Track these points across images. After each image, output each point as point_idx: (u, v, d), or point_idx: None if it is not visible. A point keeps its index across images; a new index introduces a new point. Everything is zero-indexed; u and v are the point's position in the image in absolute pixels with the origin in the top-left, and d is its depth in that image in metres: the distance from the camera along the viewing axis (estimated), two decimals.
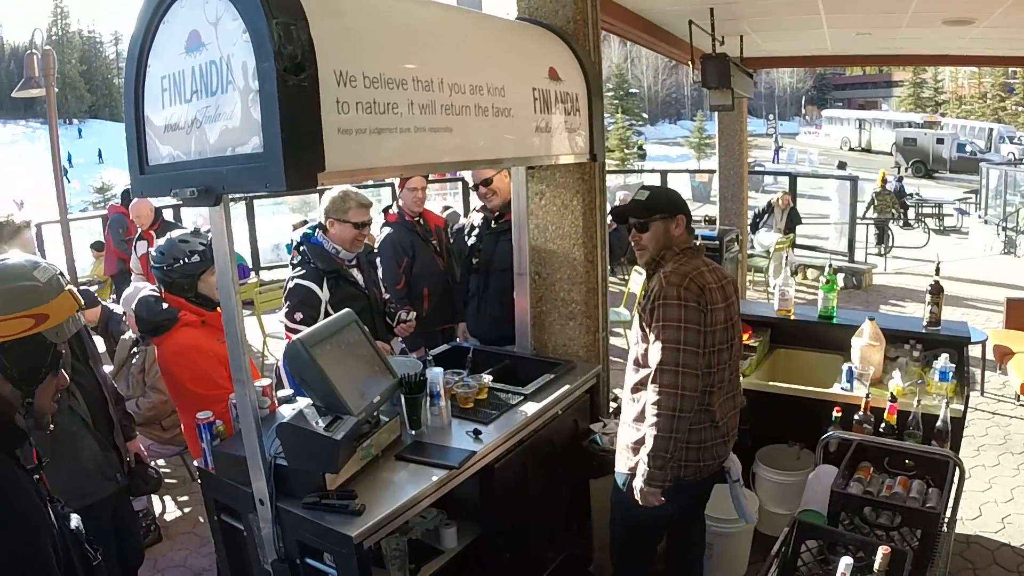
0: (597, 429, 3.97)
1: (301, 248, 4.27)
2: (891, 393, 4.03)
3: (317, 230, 4.28)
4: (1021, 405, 6.97)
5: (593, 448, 3.88)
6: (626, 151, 44.18)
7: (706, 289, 3.12)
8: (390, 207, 5.74)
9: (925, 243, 18.07)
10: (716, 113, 10.37)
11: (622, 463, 3.34)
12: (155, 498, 5.50)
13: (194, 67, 2.45)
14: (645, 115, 68.88)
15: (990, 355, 7.33)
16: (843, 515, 3.27)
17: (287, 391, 3.48)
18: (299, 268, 4.21)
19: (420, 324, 4.88)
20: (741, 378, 4.37)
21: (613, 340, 5.56)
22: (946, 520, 3.40)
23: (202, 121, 2.47)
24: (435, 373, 3.41)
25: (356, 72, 2.44)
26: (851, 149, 49.04)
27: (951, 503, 3.52)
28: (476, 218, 5.21)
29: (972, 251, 17.08)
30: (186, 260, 3.66)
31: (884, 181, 18.77)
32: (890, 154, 41.72)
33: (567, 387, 3.84)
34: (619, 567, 3.61)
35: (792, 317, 4.96)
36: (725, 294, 3.26)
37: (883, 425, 3.95)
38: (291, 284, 4.18)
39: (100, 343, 6.68)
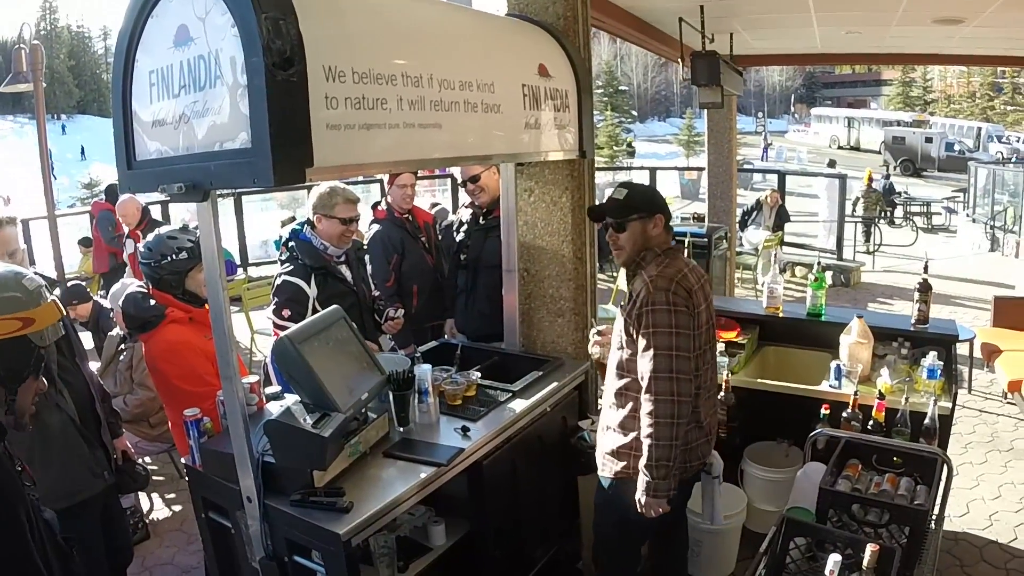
0: (585, 426, 3.96)
1: (290, 244, 4.26)
2: (879, 390, 4.05)
3: (306, 226, 4.27)
4: (1009, 403, 7.01)
5: (581, 445, 3.87)
6: (615, 148, 44.18)
7: (692, 292, 3.10)
8: (379, 204, 5.72)
9: (913, 241, 18.13)
10: (706, 111, 10.39)
11: (606, 469, 3.33)
12: (143, 495, 5.48)
13: (182, 62, 2.43)
14: (634, 112, 68.91)
15: (977, 353, 7.37)
16: (831, 512, 3.27)
17: (275, 388, 3.47)
18: (287, 264, 4.20)
19: (410, 321, 4.88)
20: (730, 375, 4.41)
21: None
22: (934, 517, 3.41)
23: (190, 116, 2.45)
24: (423, 370, 3.40)
25: (345, 68, 2.43)
26: (840, 147, 49.15)
27: (939, 500, 3.52)
28: (465, 214, 5.20)
29: (960, 249, 17.15)
30: (174, 256, 3.64)
31: (871, 180, 18.82)
32: (879, 153, 41.86)
33: (555, 384, 3.84)
34: (605, 569, 3.60)
35: (781, 315, 4.97)
36: (705, 293, 3.24)
37: (871, 422, 3.96)
38: (279, 281, 4.17)
39: (89, 339, 6.66)
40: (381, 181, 10.46)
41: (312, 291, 4.12)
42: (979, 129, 41.97)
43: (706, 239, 9.57)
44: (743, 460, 4.60)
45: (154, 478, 5.80)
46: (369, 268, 5.14)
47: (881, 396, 3.98)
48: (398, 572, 3.06)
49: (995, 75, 53.00)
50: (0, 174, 43.63)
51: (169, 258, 3.64)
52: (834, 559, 2.70)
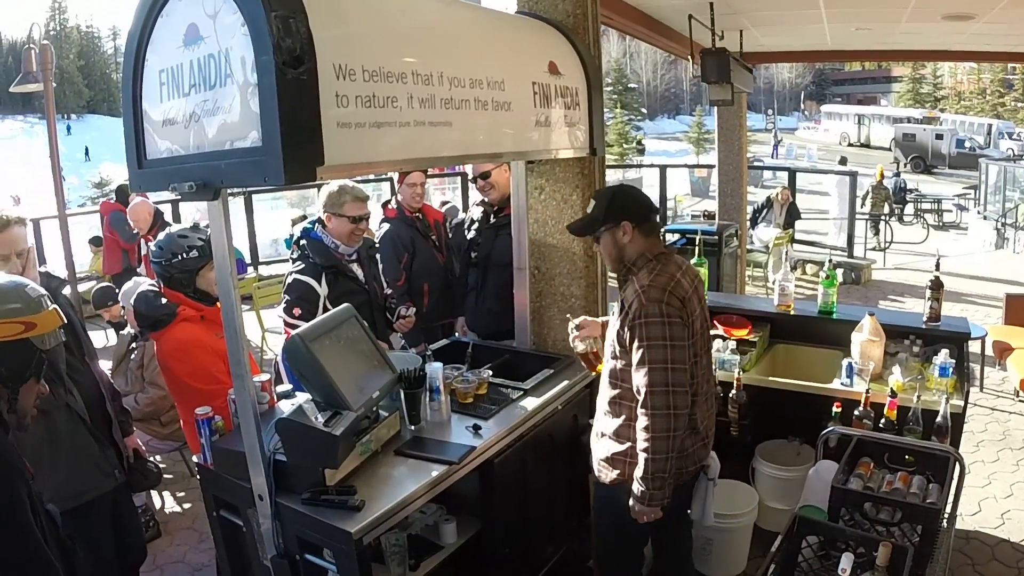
0: None
1: (301, 243, 4.26)
2: (891, 388, 4.03)
3: (316, 224, 4.27)
4: (1020, 401, 6.98)
5: None
6: (625, 146, 44.23)
7: (686, 299, 3.06)
8: (389, 202, 5.72)
9: (924, 239, 18.07)
10: (715, 108, 10.37)
11: (602, 475, 3.31)
12: (154, 493, 5.50)
13: (192, 61, 2.43)
14: (644, 110, 68.89)
15: (989, 351, 7.33)
16: (843, 511, 3.26)
17: (286, 386, 3.47)
18: (298, 263, 4.21)
19: (420, 320, 4.88)
20: (741, 373, 4.39)
21: None
22: (946, 516, 3.39)
23: (200, 115, 2.45)
24: (434, 368, 3.40)
25: (355, 66, 2.43)
26: (850, 144, 48.97)
27: (951, 499, 3.51)
28: (476, 212, 5.19)
29: (971, 247, 17.08)
30: (185, 255, 3.65)
31: (882, 176, 18.76)
32: (889, 150, 41.69)
33: (567, 382, 3.83)
34: (608, 571, 3.58)
35: (792, 312, 4.95)
36: (699, 297, 3.21)
37: (883, 421, 3.95)
38: (290, 279, 4.17)
39: (107, 339, 6.71)
40: (391, 179, 10.45)
41: (323, 289, 4.12)
42: (990, 126, 41.78)
43: (716, 237, 9.52)
44: (754, 458, 4.59)
45: (165, 476, 5.82)
46: (380, 266, 5.14)
47: (893, 394, 3.96)
48: (409, 570, 3.06)
49: (1006, 71, 52.74)
50: (9, 174, 43.85)
51: (180, 257, 3.65)
52: (847, 558, 2.69)
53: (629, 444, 3.14)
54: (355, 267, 4.34)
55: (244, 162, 2.32)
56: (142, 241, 8.10)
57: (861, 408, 4.03)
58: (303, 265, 4.17)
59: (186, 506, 5.60)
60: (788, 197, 12.69)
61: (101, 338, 8.61)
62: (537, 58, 3.54)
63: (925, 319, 4.59)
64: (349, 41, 2.46)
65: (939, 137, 39.22)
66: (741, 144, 10.85)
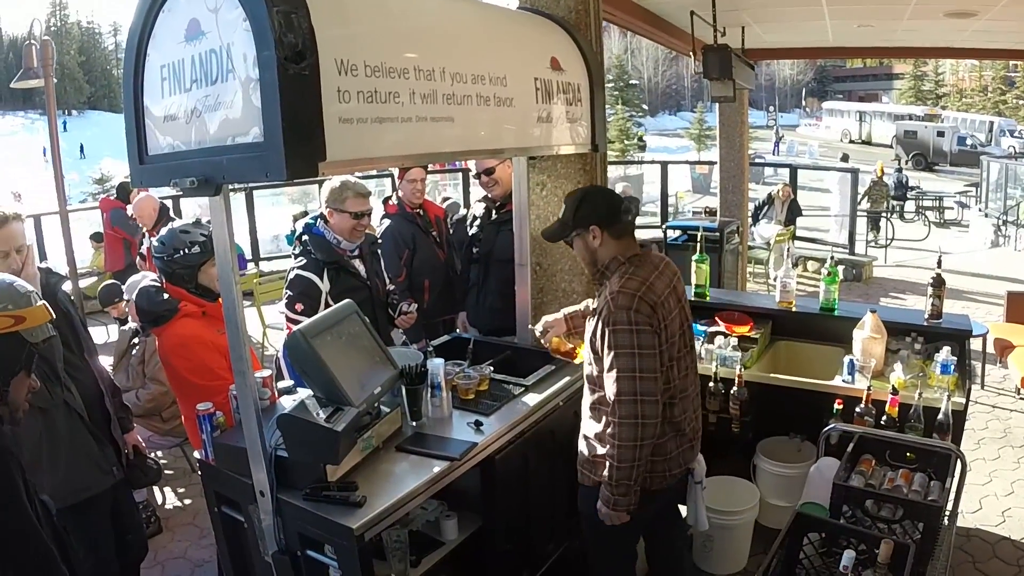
0: None
1: (303, 238, 4.25)
2: (892, 386, 4.02)
3: (318, 220, 4.26)
4: (1021, 399, 6.98)
5: None
6: (626, 142, 44.14)
7: (658, 304, 2.99)
8: (390, 198, 5.72)
9: (925, 236, 18.06)
10: (717, 104, 10.36)
11: (585, 478, 3.29)
12: (155, 489, 5.50)
13: (194, 56, 2.43)
14: (645, 106, 68.80)
15: (990, 348, 7.33)
16: (845, 508, 3.26)
17: (287, 382, 3.47)
18: (300, 259, 4.20)
19: (421, 316, 4.88)
20: (743, 370, 4.38)
21: None
22: (948, 513, 3.39)
23: (202, 111, 2.45)
24: (436, 364, 3.40)
25: (357, 61, 2.42)
26: (851, 141, 48.85)
27: (953, 496, 3.51)
28: (478, 208, 5.19)
29: (972, 244, 17.08)
30: (186, 251, 3.65)
31: (882, 173, 18.75)
32: (890, 147, 41.67)
33: (568, 378, 3.82)
34: (598, 570, 3.56)
35: (793, 309, 4.94)
36: (677, 295, 3.17)
37: (884, 418, 3.94)
38: (292, 275, 4.17)
39: (108, 335, 6.71)
40: (392, 175, 10.45)
41: (324, 285, 4.11)
42: (991, 123, 41.80)
43: (718, 233, 9.51)
44: (756, 455, 4.59)
45: (166, 472, 5.82)
46: (382, 263, 5.14)
47: (894, 391, 3.95)
48: (410, 566, 3.06)
49: (1007, 69, 52.75)
50: (10, 170, 43.85)
51: (182, 252, 3.64)
52: (849, 555, 2.69)
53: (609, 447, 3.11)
54: (357, 263, 4.33)
55: (246, 157, 2.32)
56: (145, 235, 8.06)
57: (862, 405, 4.01)
58: (305, 261, 4.17)
59: (187, 502, 5.60)
60: (789, 194, 12.69)
61: (102, 334, 8.61)
62: (539, 54, 3.54)
63: (927, 316, 4.58)
64: (351, 36, 2.46)
65: (940, 134, 39.18)
66: (743, 141, 10.85)
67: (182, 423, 4.57)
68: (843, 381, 4.31)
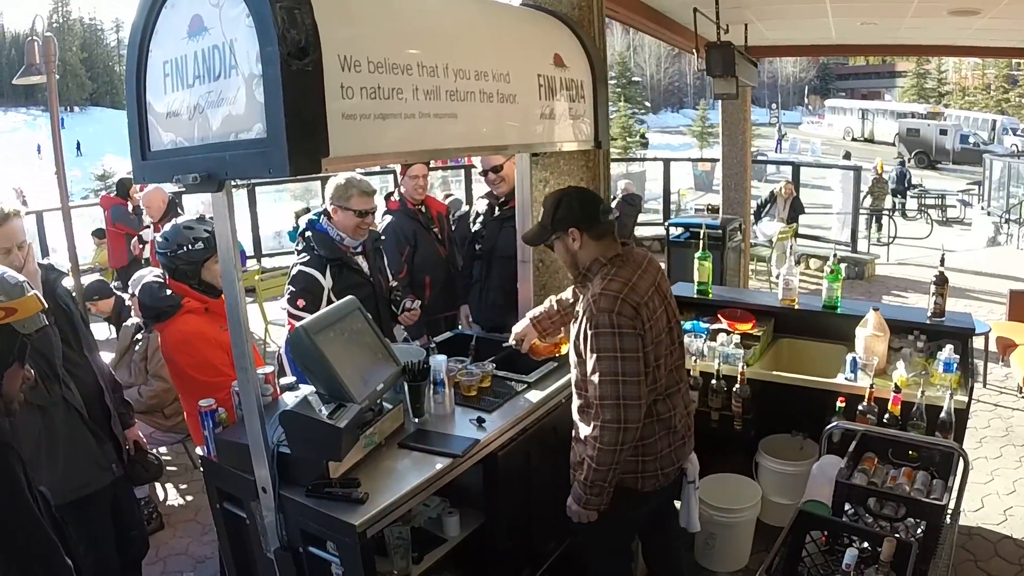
0: None
1: (306, 235, 4.25)
2: (895, 384, 4.01)
3: (322, 216, 4.26)
4: (1023, 397, 6.96)
5: None
6: (629, 139, 44.03)
7: (641, 305, 2.93)
8: (392, 194, 5.72)
9: (928, 234, 18.04)
10: (720, 102, 10.35)
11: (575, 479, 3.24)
12: (157, 486, 5.50)
13: (196, 52, 2.43)
14: (648, 103, 68.65)
15: (992, 347, 7.32)
16: (847, 506, 3.25)
17: (289, 378, 3.47)
18: (303, 255, 4.20)
19: (422, 312, 4.88)
20: (745, 367, 4.38)
21: None
22: (950, 512, 3.39)
23: (204, 107, 2.45)
24: (438, 361, 3.40)
25: (360, 57, 2.42)
26: (854, 139, 48.90)
27: (955, 495, 3.50)
28: (480, 205, 5.19)
29: (975, 242, 17.06)
30: (190, 247, 3.65)
31: (881, 170, 18.71)
32: (893, 145, 41.64)
33: (570, 375, 3.82)
34: (595, 570, 3.54)
35: (796, 307, 4.94)
36: (662, 293, 3.13)
37: (887, 416, 3.93)
38: (294, 271, 4.17)
39: (111, 332, 6.70)
40: (394, 172, 10.45)
41: (327, 282, 4.11)
42: (994, 121, 41.80)
43: (720, 231, 9.50)
44: (758, 452, 4.59)
45: (168, 469, 5.82)
46: (385, 259, 5.14)
47: (897, 389, 3.94)
48: (412, 563, 3.06)
49: (1010, 67, 52.64)
50: (11, 166, 43.83)
51: (185, 248, 3.64)
52: (851, 553, 2.69)
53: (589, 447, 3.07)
54: (360, 259, 4.33)
55: (249, 153, 2.31)
56: (150, 230, 8.07)
57: (865, 403, 4.01)
58: (308, 257, 4.17)
59: (189, 498, 5.61)
60: (792, 191, 12.68)
61: (104, 330, 8.61)
62: (542, 50, 3.53)
63: (929, 314, 4.57)
64: (354, 32, 2.45)
65: (943, 132, 39.17)
66: (745, 138, 10.83)
67: (184, 419, 4.57)
68: (845, 379, 4.31)
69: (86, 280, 6.50)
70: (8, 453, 2.08)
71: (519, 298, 4.27)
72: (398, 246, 5.34)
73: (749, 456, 4.62)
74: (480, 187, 5.21)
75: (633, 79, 63.13)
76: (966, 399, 4.04)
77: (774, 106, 67.39)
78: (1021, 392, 7.00)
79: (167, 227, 3.76)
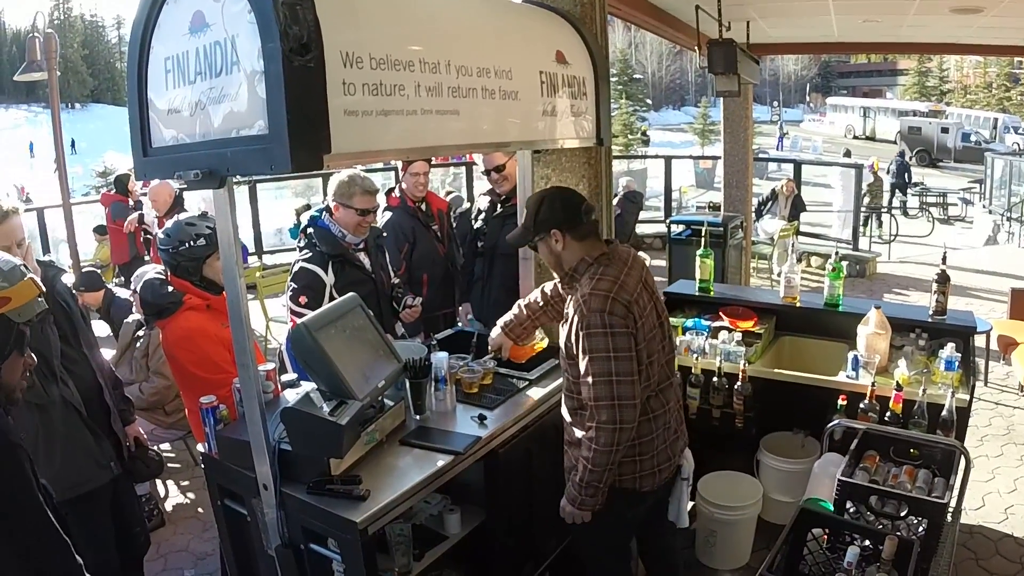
0: None
1: (308, 231, 4.25)
2: (897, 382, 4.01)
3: (324, 213, 4.26)
4: None
5: None
6: (630, 137, 44.02)
7: (632, 303, 2.92)
8: (393, 190, 5.71)
9: (929, 232, 18.03)
10: (721, 99, 10.34)
11: None
12: (158, 482, 5.50)
13: (198, 48, 2.42)
14: (649, 101, 68.58)
15: (994, 345, 7.31)
16: (849, 504, 3.25)
17: (291, 375, 3.47)
18: (305, 251, 4.20)
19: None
20: (747, 365, 4.37)
21: None
22: (951, 510, 3.38)
23: (206, 103, 2.44)
24: (440, 358, 3.40)
25: (363, 53, 2.41)
26: (855, 137, 48.88)
27: (956, 493, 3.50)
28: (482, 202, 5.19)
29: (976, 240, 17.05)
30: (192, 243, 3.64)
31: (878, 168, 18.68)
32: (894, 143, 41.59)
33: None
34: (595, 571, 3.52)
35: (798, 304, 4.93)
36: (649, 288, 3.12)
37: (888, 414, 3.93)
38: (296, 267, 4.17)
39: (103, 327, 6.68)
40: (396, 169, 10.46)
41: (329, 278, 4.11)
42: (996, 120, 41.73)
43: (722, 228, 9.51)
44: (759, 450, 4.58)
45: (169, 465, 5.82)
46: (387, 256, 5.14)
47: (898, 387, 3.94)
48: (414, 560, 3.06)
49: (1012, 65, 52.57)
50: (12, 163, 43.82)
51: (187, 244, 3.64)
52: (853, 551, 2.69)
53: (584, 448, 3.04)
54: (362, 256, 4.33)
55: (250, 150, 2.31)
56: (155, 225, 8.06)
57: (866, 401, 4.01)
58: (310, 254, 4.17)
59: (190, 495, 5.61)
60: (793, 189, 12.67)
61: (104, 327, 8.61)
62: (544, 47, 3.52)
63: (931, 312, 4.56)
64: (356, 29, 2.45)
65: (945, 131, 39.15)
66: (747, 135, 10.83)
67: (185, 416, 4.57)
68: (847, 377, 4.30)
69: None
70: (19, 453, 2.06)
71: (521, 295, 4.27)
72: (397, 243, 5.34)
73: (750, 454, 4.62)
74: (481, 184, 5.20)
75: (635, 76, 63.10)
76: (967, 397, 4.03)
77: (776, 104, 67.28)
78: (1022, 390, 6.99)
79: (169, 223, 3.76)
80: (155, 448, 4.41)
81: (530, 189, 4.09)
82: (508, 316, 3.73)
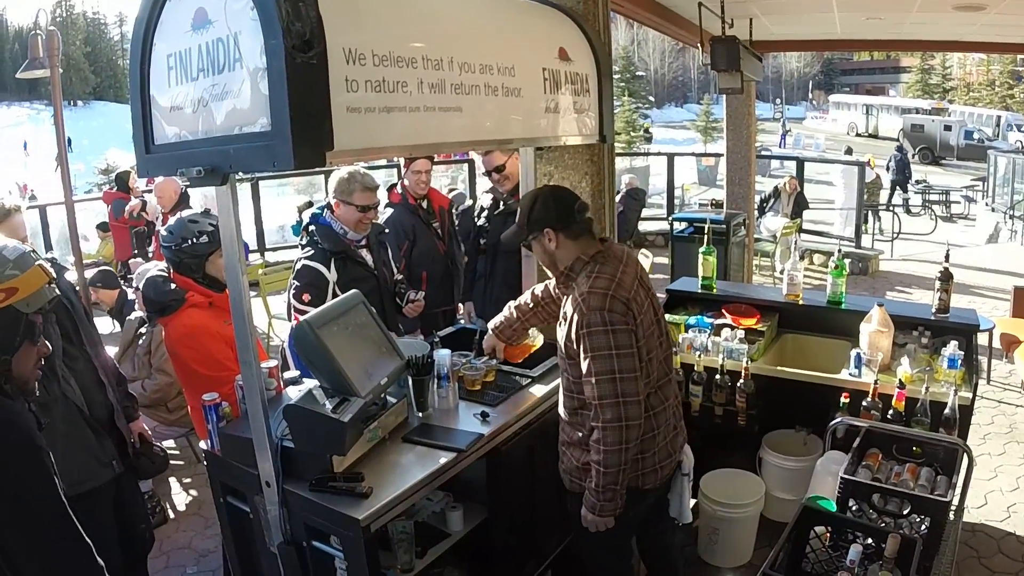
0: None
1: (310, 228, 4.25)
2: (899, 380, 4.00)
3: (326, 210, 4.26)
4: None
5: None
6: (633, 134, 44.02)
7: (630, 300, 2.93)
8: (394, 186, 5.71)
9: (932, 230, 18.00)
10: (724, 96, 10.32)
11: (575, 485, 3.19)
12: (161, 480, 5.50)
13: (200, 45, 2.42)
14: (652, 98, 68.49)
15: (996, 343, 7.30)
16: (851, 502, 3.25)
17: (293, 373, 3.47)
18: (307, 249, 4.20)
19: None
20: (749, 363, 4.37)
21: None
22: (954, 508, 3.38)
23: (209, 100, 2.44)
24: (442, 355, 3.40)
25: (365, 50, 2.41)
26: (858, 135, 48.78)
27: (959, 491, 3.49)
28: (485, 199, 5.18)
29: (979, 238, 17.02)
30: (195, 240, 3.64)
31: (873, 166, 18.63)
32: (897, 140, 41.53)
33: None
34: (596, 571, 3.51)
35: (800, 302, 4.92)
36: (645, 285, 3.11)
37: (891, 412, 3.93)
38: (299, 265, 4.17)
39: (112, 326, 6.69)
40: (398, 165, 10.46)
41: (332, 276, 4.11)
42: (999, 117, 41.64)
43: (724, 226, 9.50)
44: (761, 448, 4.58)
45: (172, 463, 5.82)
46: (389, 252, 5.14)
47: (901, 385, 3.93)
48: (416, 558, 3.06)
49: (1015, 63, 52.44)
50: (14, 160, 43.83)
51: (190, 242, 3.64)
52: (855, 549, 2.69)
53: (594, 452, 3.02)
54: (364, 253, 4.32)
55: (253, 147, 2.31)
56: (158, 222, 8.08)
57: (869, 399, 4.01)
58: (312, 251, 4.16)
59: (193, 492, 5.61)
60: (796, 186, 12.65)
61: (108, 324, 8.61)
62: (547, 44, 3.52)
63: (934, 310, 4.56)
64: (359, 25, 2.45)
65: (947, 128, 39.07)
66: (750, 133, 10.81)
67: (188, 413, 4.58)
68: (850, 375, 4.30)
69: (90, 273, 6.48)
70: (43, 456, 2.04)
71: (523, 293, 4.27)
72: (397, 240, 5.34)
73: (753, 451, 4.62)
74: (484, 182, 5.20)
75: (637, 73, 63.01)
76: (970, 395, 4.03)
77: (778, 101, 67.22)
78: None
79: (172, 220, 3.76)
80: (159, 444, 4.41)
81: (533, 186, 4.09)
82: (498, 318, 3.75)
